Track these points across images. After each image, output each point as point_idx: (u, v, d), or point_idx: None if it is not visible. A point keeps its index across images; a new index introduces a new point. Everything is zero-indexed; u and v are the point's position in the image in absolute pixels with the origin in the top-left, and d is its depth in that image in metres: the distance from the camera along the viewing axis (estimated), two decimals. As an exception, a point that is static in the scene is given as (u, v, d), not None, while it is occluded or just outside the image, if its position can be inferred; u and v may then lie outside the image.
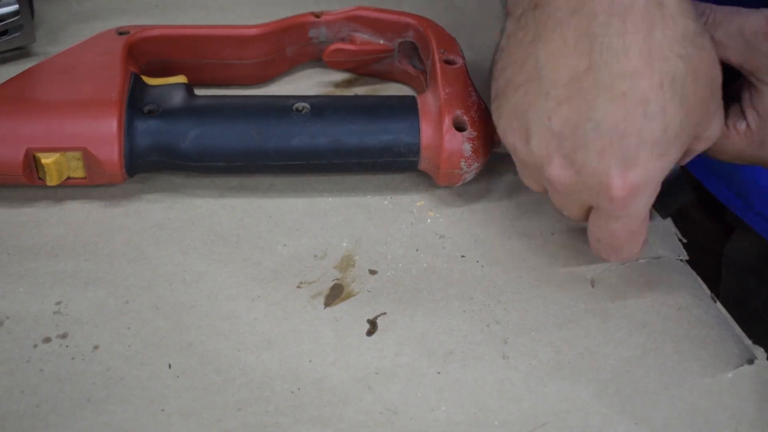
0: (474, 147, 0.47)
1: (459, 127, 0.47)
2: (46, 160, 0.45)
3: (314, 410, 0.40)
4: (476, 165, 0.48)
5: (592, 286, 0.46)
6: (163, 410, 0.39)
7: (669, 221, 0.51)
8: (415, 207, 0.49)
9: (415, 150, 0.48)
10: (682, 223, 0.51)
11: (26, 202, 0.47)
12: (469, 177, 0.48)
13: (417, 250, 0.47)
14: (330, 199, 0.49)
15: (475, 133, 0.47)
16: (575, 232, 0.48)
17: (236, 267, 0.45)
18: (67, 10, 0.59)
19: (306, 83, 0.56)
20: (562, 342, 0.43)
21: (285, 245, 0.46)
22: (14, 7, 0.50)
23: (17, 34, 0.52)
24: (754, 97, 0.44)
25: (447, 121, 0.47)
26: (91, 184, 0.47)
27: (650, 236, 0.49)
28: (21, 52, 0.54)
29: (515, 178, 0.51)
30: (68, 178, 0.47)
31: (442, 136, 0.47)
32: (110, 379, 0.40)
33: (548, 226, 0.48)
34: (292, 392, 0.40)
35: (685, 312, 0.45)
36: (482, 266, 0.46)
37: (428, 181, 0.50)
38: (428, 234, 0.48)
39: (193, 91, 0.49)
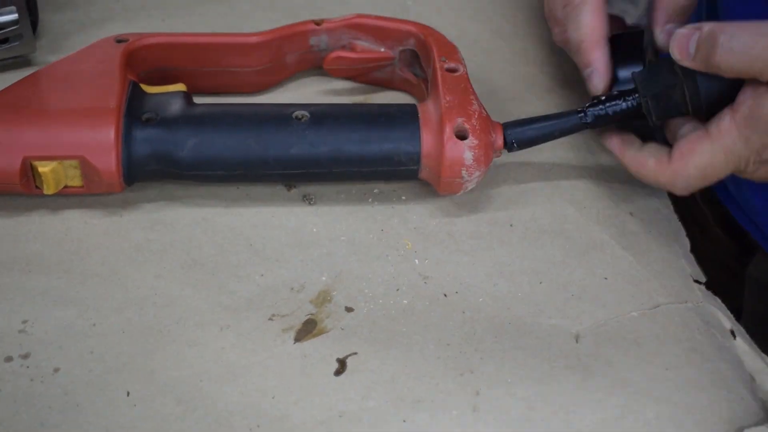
0: (475, 156, 0.46)
1: (460, 136, 0.46)
2: (44, 168, 0.45)
3: (269, 451, 0.38)
4: (477, 174, 0.47)
5: (576, 341, 0.44)
6: (116, 439, 0.38)
7: (688, 260, 0.48)
8: (401, 244, 0.47)
9: (415, 159, 0.47)
10: (703, 242, 0.49)
11: (6, 213, 0.47)
12: (470, 186, 0.48)
13: (398, 289, 0.45)
14: (315, 230, 0.48)
15: (476, 142, 0.46)
16: (565, 282, 0.46)
17: (210, 293, 0.44)
18: (72, 20, 0.58)
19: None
20: (536, 398, 0.41)
21: (262, 275, 0.45)
22: (14, 16, 0.50)
23: (17, 43, 0.52)
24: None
25: (448, 130, 0.46)
26: (89, 193, 0.47)
27: (651, 283, 0.47)
28: (22, 61, 0.54)
29: (509, 219, 0.49)
30: (65, 186, 0.46)
31: (443, 144, 0.46)
32: (66, 404, 0.39)
33: (537, 275, 0.47)
34: (251, 429, 0.39)
35: (672, 372, 0.43)
36: (463, 311, 0.45)
37: (418, 218, 0.49)
38: (411, 273, 0.46)
39: (191, 99, 0.49)
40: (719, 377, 0.44)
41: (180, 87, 0.49)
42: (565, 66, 0.60)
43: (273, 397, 0.40)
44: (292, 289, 0.45)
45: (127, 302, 0.43)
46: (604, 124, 0.48)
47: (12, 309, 0.43)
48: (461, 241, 0.48)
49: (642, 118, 0.47)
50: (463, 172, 0.46)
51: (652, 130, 0.48)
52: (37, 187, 0.46)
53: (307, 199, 0.49)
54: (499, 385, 0.41)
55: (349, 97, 0.56)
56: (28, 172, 0.45)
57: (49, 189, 0.45)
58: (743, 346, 0.45)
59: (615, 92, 0.48)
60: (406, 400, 0.41)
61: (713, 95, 0.44)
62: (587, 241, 0.49)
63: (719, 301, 0.47)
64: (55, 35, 0.57)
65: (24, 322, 0.42)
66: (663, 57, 0.47)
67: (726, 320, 0.46)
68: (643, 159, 0.47)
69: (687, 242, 0.50)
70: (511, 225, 0.49)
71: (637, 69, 0.47)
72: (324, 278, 0.46)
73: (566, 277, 0.47)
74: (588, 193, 0.51)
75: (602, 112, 0.47)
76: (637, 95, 0.47)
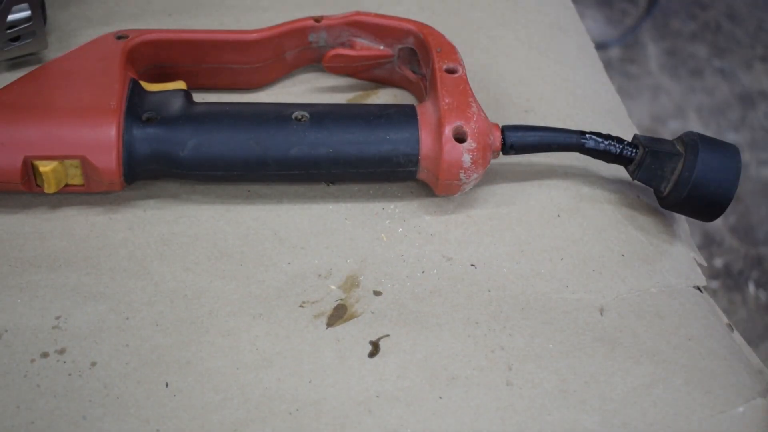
0: (473, 158, 0.47)
1: (459, 138, 0.47)
2: (44, 168, 0.45)
3: (312, 433, 0.39)
4: (475, 176, 0.47)
5: (601, 314, 0.45)
6: (158, 430, 0.39)
7: (689, 245, 0.50)
8: (423, 228, 0.48)
9: (414, 160, 0.47)
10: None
11: (29, 212, 0.47)
12: (467, 188, 0.48)
13: (423, 272, 0.46)
14: (337, 217, 0.48)
15: (474, 145, 0.47)
16: (585, 258, 0.47)
17: (239, 284, 0.45)
18: (79, 17, 0.58)
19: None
20: (567, 370, 0.42)
21: (289, 263, 0.46)
22: (26, 14, 0.50)
23: (29, 41, 0.52)
24: None
25: (447, 132, 0.47)
26: (90, 191, 0.47)
27: (663, 263, 0.48)
28: (33, 58, 0.54)
29: (527, 200, 0.50)
30: (66, 185, 0.46)
31: (441, 146, 0.47)
32: (107, 397, 0.40)
33: (558, 252, 0.48)
34: (290, 413, 0.40)
35: (695, 342, 0.44)
36: (489, 291, 0.45)
37: (439, 204, 0.50)
38: (435, 256, 0.47)
39: (192, 98, 0.49)
40: (737, 350, 0.45)
41: (180, 85, 0.49)
42: (567, 50, 0.61)
43: (310, 381, 0.41)
44: (319, 275, 0.45)
45: (158, 295, 0.44)
46: (594, 157, 0.49)
47: (44, 306, 0.43)
48: (481, 222, 0.49)
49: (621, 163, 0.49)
50: (461, 174, 0.47)
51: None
52: (38, 185, 0.46)
53: (326, 183, 0.50)
54: (531, 360, 0.42)
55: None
56: (29, 172, 0.45)
57: (50, 188, 0.46)
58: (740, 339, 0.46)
59: (616, 136, 0.49)
60: (440, 378, 0.41)
61: (704, 177, 0.46)
62: (603, 220, 0.50)
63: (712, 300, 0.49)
64: (63, 32, 0.57)
65: (57, 318, 0.42)
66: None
67: (722, 314, 0.47)
68: None
69: (687, 227, 0.52)
70: (529, 204, 0.50)
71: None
72: (350, 264, 0.46)
73: (585, 253, 0.48)
74: (597, 173, 0.52)
75: (600, 147, 0.48)
76: (636, 150, 0.48)
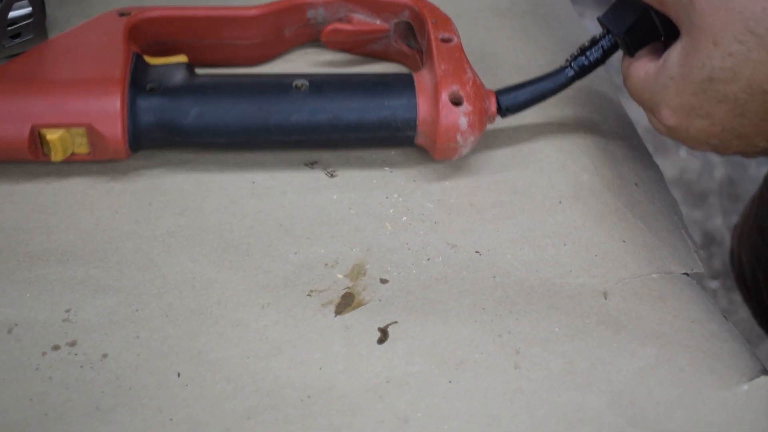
0: (470, 121, 0.48)
1: (455, 102, 0.48)
2: (52, 136, 0.46)
3: (324, 419, 0.39)
4: (472, 139, 0.49)
5: (605, 298, 0.45)
6: (171, 419, 0.39)
7: (684, 230, 0.51)
8: (426, 217, 0.49)
9: (412, 125, 0.49)
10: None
11: (35, 207, 0.47)
12: (465, 151, 0.49)
13: (428, 259, 0.46)
14: (341, 207, 0.49)
15: (470, 108, 0.48)
16: (587, 244, 0.48)
17: (247, 274, 0.45)
18: (78, 13, 0.58)
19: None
20: (574, 353, 0.42)
21: (296, 253, 0.46)
22: (27, 10, 0.50)
23: (30, 37, 0.52)
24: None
25: (443, 97, 0.48)
26: (95, 159, 0.48)
27: (662, 249, 0.49)
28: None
29: (528, 187, 0.50)
30: (73, 154, 0.47)
31: (438, 111, 0.48)
32: (119, 388, 0.40)
33: (560, 237, 0.48)
34: (302, 400, 0.40)
35: (698, 325, 0.45)
36: (494, 277, 0.46)
37: (442, 192, 0.50)
38: (440, 244, 0.47)
39: (194, 70, 0.50)
40: (736, 333, 0.46)
41: (182, 58, 0.50)
42: (563, 43, 0.62)
43: (320, 369, 0.41)
44: (326, 265, 0.46)
45: (167, 287, 0.44)
46: (587, 74, 0.50)
47: (53, 299, 0.43)
48: (484, 210, 0.49)
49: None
50: (458, 137, 0.48)
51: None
52: (44, 154, 0.47)
53: (328, 173, 0.50)
54: (537, 343, 0.43)
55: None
56: (37, 140, 0.47)
57: (56, 156, 0.46)
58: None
59: (587, 42, 0.50)
60: (449, 362, 0.42)
61: None
62: (603, 208, 0.50)
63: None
64: (62, 29, 0.57)
65: (67, 311, 0.43)
66: None
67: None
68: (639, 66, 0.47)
69: (682, 214, 0.53)
70: (531, 192, 0.50)
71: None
72: (356, 252, 0.46)
73: (587, 239, 0.48)
74: (596, 161, 0.53)
75: (585, 62, 0.50)
76: (609, 35, 0.49)
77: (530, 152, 0.53)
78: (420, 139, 0.49)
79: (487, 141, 0.53)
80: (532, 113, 0.54)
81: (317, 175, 0.50)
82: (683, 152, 1.59)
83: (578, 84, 0.58)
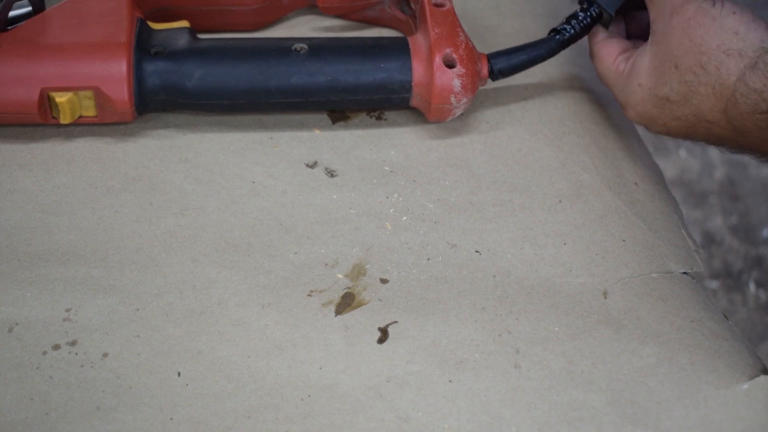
0: (463, 83, 0.49)
1: (449, 65, 0.50)
2: (60, 98, 0.47)
3: (325, 418, 0.39)
4: (465, 100, 0.50)
5: (605, 298, 0.45)
6: (172, 419, 0.39)
7: (684, 229, 0.51)
8: (426, 216, 0.49)
9: (407, 87, 0.50)
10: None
11: (36, 206, 0.47)
12: (458, 112, 0.51)
13: (428, 259, 0.47)
14: (342, 207, 0.49)
15: (463, 70, 0.49)
16: (588, 243, 0.48)
17: (247, 274, 0.45)
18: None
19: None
20: (574, 352, 0.43)
21: (296, 253, 0.46)
22: (28, 9, 0.50)
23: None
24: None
25: (437, 59, 0.49)
26: (103, 122, 0.49)
27: (662, 249, 0.49)
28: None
29: (528, 186, 0.51)
30: (80, 116, 0.49)
31: (432, 73, 0.49)
32: (120, 387, 0.40)
33: (561, 236, 0.48)
34: (302, 399, 0.40)
35: (698, 324, 0.45)
36: (494, 276, 0.46)
37: (442, 192, 0.50)
38: (440, 243, 0.47)
39: (196, 34, 0.51)
40: (736, 332, 0.46)
41: (184, 24, 0.52)
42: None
43: (320, 368, 0.41)
44: (326, 265, 0.46)
45: (167, 287, 0.44)
46: (574, 41, 0.52)
47: (54, 299, 0.43)
48: (484, 209, 0.49)
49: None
50: (452, 98, 0.50)
51: None
52: (53, 117, 0.48)
53: (329, 173, 0.50)
54: (537, 342, 0.43)
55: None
56: (46, 103, 0.48)
57: (65, 118, 0.48)
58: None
59: (572, 13, 0.52)
60: (449, 362, 0.42)
61: None
62: (603, 207, 0.50)
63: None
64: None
65: (67, 310, 0.43)
66: None
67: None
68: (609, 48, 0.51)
69: (682, 213, 0.53)
70: (531, 191, 0.50)
71: None
72: (356, 252, 0.47)
73: (588, 238, 0.48)
74: (596, 160, 0.53)
75: (573, 31, 0.52)
76: (594, 6, 0.51)
77: (530, 151, 0.53)
78: (415, 101, 0.51)
79: (488, 141, 0.53)
80: (532, 114, 0.54)
81: (317, 175, 0.50)
82: (683, 152, 1.59)
83: (578, 84, 0.58)
